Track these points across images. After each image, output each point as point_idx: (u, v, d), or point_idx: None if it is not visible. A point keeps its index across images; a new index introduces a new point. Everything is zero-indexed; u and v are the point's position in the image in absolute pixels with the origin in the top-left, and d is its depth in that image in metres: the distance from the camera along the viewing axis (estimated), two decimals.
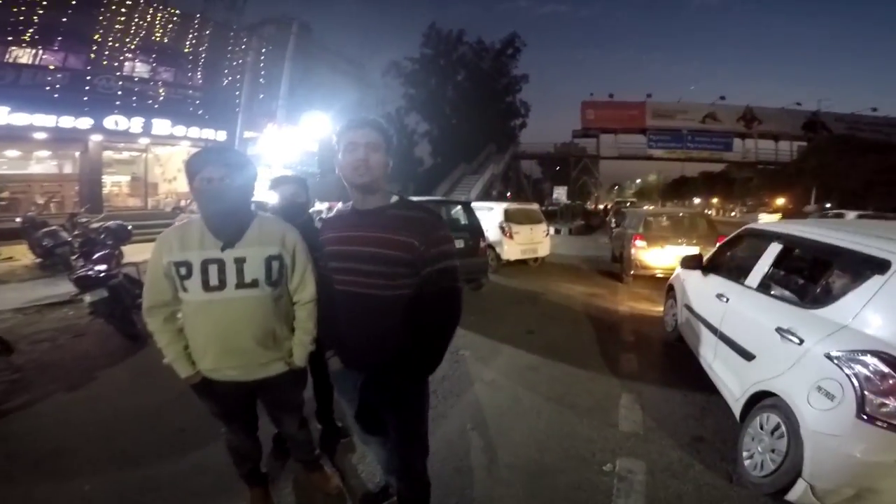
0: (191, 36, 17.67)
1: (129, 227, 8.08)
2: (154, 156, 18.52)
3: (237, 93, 17.52)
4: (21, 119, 13.28)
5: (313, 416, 2.64)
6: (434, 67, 36.16)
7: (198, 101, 17.64)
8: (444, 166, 32.42)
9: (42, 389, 3.53)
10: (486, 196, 25.95)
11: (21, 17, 13.63)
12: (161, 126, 16.08)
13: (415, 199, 1.84)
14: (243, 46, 18.90)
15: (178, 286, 1.66)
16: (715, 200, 44.12)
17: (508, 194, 31.97)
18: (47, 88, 14.05)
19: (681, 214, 8.87)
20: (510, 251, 9.00)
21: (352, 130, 1.53)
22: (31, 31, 13.83)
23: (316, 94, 19.88)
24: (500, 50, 37.41)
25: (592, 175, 44.44)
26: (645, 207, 11.33)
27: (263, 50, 19.25)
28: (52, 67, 14.42)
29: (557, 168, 46.00)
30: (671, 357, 4.42)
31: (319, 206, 16.30)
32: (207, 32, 18.03)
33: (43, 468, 2.52)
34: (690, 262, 4.29)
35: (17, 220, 10.06)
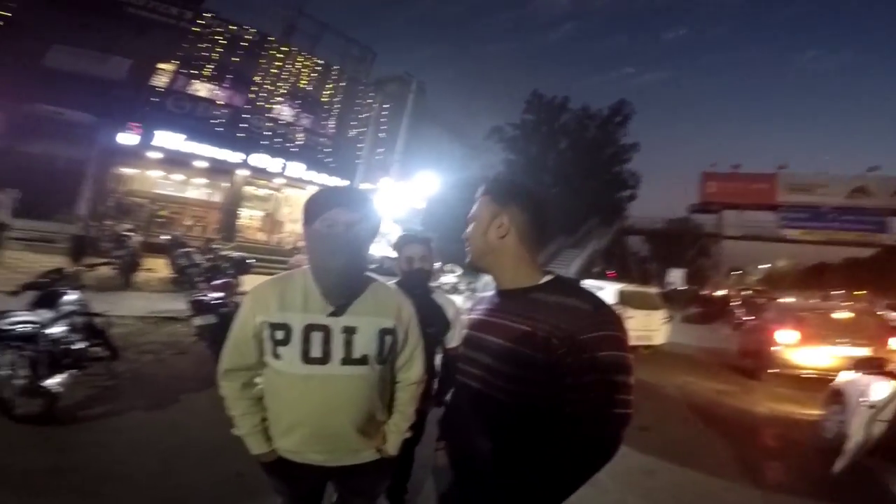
0: (328, 86, 19.55)
1: (250, 261, 8.80)
2: (285, 196, 20.28)
3: (359, 144, 18.89)
4: (189, 147, 15.40)
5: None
6: (536, 134, 35.51)
7: (328, 149, 19.20)
8: None
9: (127, 402, 3.59)
10: (586, 274, 24.61)
11: (203, 54, 16.12)
12: (295, 168, 17.73)
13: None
14: (369, 101, 20.38)
15: (269, 351, 1.36)
16: (862, 293, 35.94)
17: (611, 273, 29.94)
18: (212, 121, 16.25)
19: (842, 310, 7.37)
20: None
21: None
22: (210, 67, 16.32)
23: (426, 153, 20.77)
24: (606, 118, 35.69)
25: (710, 257, 39.88)
26: (785, 299, 9.66)
27: (386, 106, 20.56)
28: (219, 103, 16.73)
29: (668, 246, 42.10)
30: (831, 466, 3.35)
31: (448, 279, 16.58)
32: (342, 84, 19.82)
33: (85, 489, 2.41)
34: (873, 367, 3.71)
35: (164, 237, 11.44)
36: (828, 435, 3.99)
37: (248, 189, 18.60)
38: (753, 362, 7.39)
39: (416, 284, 2.09)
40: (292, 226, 19.94)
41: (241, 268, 8.81)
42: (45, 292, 3.60)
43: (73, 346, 3.52)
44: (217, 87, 16.82)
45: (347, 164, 18.32)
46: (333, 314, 1.34)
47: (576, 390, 1.07)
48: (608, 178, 35.56)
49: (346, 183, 18.36)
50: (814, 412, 4.81)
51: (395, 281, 2.10)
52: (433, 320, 2.09)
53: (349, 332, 1.35)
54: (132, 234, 10.36)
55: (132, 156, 14.96)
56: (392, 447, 1.50)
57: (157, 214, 16.18)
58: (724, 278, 40.07)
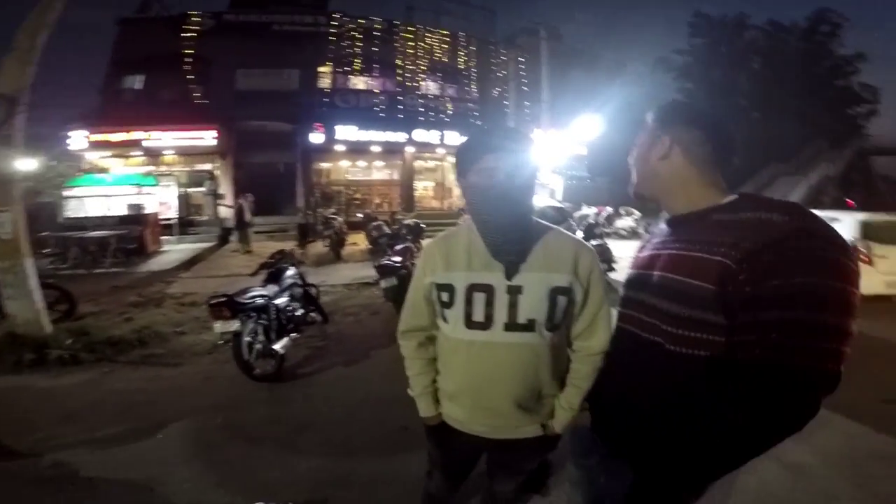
0: (461, 53, 20.07)
1: (423, 225, 9.79)
2: (449, 164, 21.45)
3: (506, 102, 18.75)
4: (363, 135, 17.55)
5: None
6: (714, 57, 30.54)
7: (476, 113, 19.76)
8: (746, 167, 26.85)
9: (330, 360, 4.27)
10: (813, 204, 19.74)
11: (347, 51, 18.06)
12: (452, 136, 18.62)
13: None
14: (503, 58, 20.30)
15: (438, 313, 1.30)
16: None
17: (849, 202, 23.29)
18: (375, 109, 18.25)
19: None
20: (868, 283, 6.13)
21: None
22: (358, 62, 18.26)
23: (579, 97, 19.55)
24: (808, 29, 29.24)
25: None
26: None
27: (521, 59, 20.22)
28: (376, 91, 18.65)
29: None
30: None
31: (587, 210, 15.87)
32: (473, 49, 20.19)
33: (284, 439, 2.90)
34: None
35: (359, 215, 13.92)
36: None
37: (418, 163, 20.19)
38: None
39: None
40: (458, 190, 21.08)
41: (417, 233, 9.83)
42: (273, 270, 4.40)
43: (295, 313, 4.28)
44: (369, 78, 18.64)
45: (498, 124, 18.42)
46: (509, 275, 1.19)
47: (755, 330, 0.81)
48: (832, 95, 28.86)
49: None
50: None
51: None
52: None
53: (514, 292, 1.18)
54: (336, 216, 12.33)
55: (324, 152, 17.62)
56: (559, 425, 1.32)
57: (352, 197, 19.09)
58: None
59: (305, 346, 4.53)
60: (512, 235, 1.17)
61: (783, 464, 2.51)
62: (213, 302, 3.48)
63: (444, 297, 1.24)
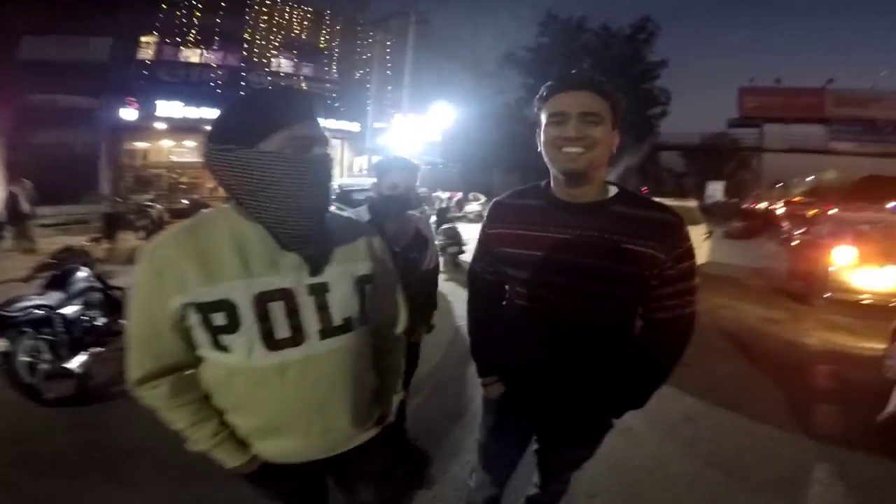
0: (324, 32, 19.11)
1: None
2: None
3: (367, 85, 18.39)
4: (192, 112, 15.49)
5: None
6: (554, 56, 34.36)
7: (334, 94, 18.83)
8: None
9: None
10: None
11: (184, 21, 15.93)
12: None
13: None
14: (370, 40, 19.94)
15: (205, 343, 0.94)
16: None
17: (644, 189, 29.23)
18: (211, 84, 16.28)
19: None
20: None
21: (561, 94, 1.10)
22: (193, 33, 16.15)
23: (437, 84, 20.24)
24: (630, 35, 34.64)
25: (750, 170, 38.27)
26: (844, 213, 8.72)
27: (388, 43, 20.08)
28: (214, 65, 16.66)
29: (705, 161, 40.54)
30: None
31: (441, 195, 16.58)
32: (338, 28, 19.38)
33: (110, 466, 2.43)
34: None
35: (184, 201, 12.34)
36: (892, 376, 3.56)
37: None
38: (804, 285, 6.80)
39: (395, 209, 1.98)
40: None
41: None
42: (57, 273, 3.57)
43: (94, 323, 3.51)
44: (207, 51, 16.69)
45: (357, 107, 17.89)
46: (309, 270, 0.98)
47: (671, 297, 1.15)
48: (638, 96, 34.37)
49: (356, 125, 18.14)
50: (875, 346, 4.38)
51: (362, 207, 2.05)
52: (416, 244, 2.05)
53: (320, 291, 0.99)
54: (154, 203, 10.78)
55: (139, 130, 15.24)
56: (390, 412, 1.25)
57: (177, 182, 16.71)
58: (767, 191, 38.96)
59: (118, 360, 3.68)
60: (317, 222, 0.97)
61: (618, 431, 2.85)
62: None
63: (219, 319, 0.90)
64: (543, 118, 1.13)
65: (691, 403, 3.29)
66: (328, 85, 19.16)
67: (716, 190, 24.59)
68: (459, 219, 14.23)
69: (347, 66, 19.50)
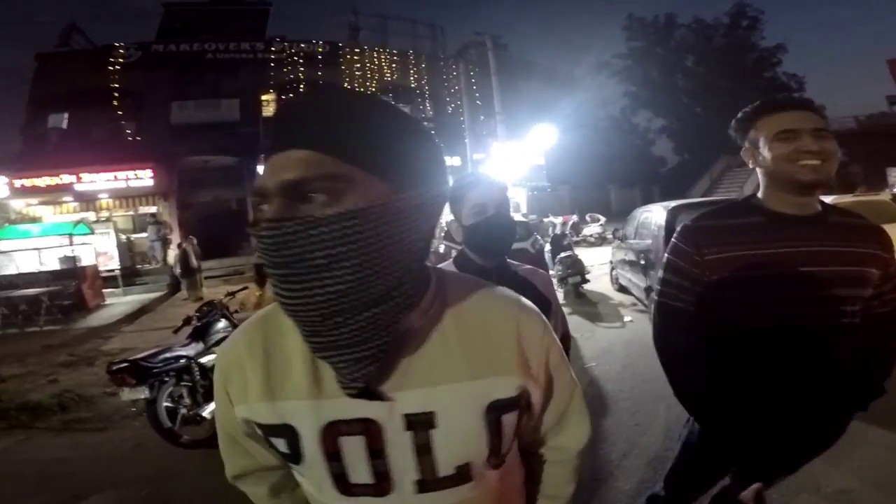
0: (411, 71, 19.82)
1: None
2: None
3: (461, 118, 18.75)
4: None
5: None
6: (652, 58, 32.33)
7: (434, 131, 19.51)
8: (696, 162, 28.26)
9: None
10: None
11: (290, 76, 17.22)
12: None
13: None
14: (454, 74, 20.26)
15: (283, 462, 0.72)
16: None
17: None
18: None
19: None
20: None
21: (783, 113, 1.17)
22: (301, 86, 17.19)
23: (531, 107, 19.87)
24: (730, 25, 31.51)
25: None
26: None
27: (472, 73, 20.24)
28: None
29: (870, 145, 33.62)
30: None
31: (553, 220, 15.83)
32: (423, 66, 20.00)
33: None
34: None
35: None
36: None
37: None
38: None
39: (499, 245, 1.34)
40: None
41: None
42: (199, 325, 3.87)
43: None
44: None
45: (455, 141, 18.32)
46: (402, 393, 0.61)
47: (890, 292, 1.22)
48: (762, 85, 30.89)
49: (457, 159, 18.07)
50: None
51: (451, 258, 1.43)
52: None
53: (421, 425, 0.61)
54: None
55: None
56: None
57: None
58: None
59: None
60: (329, 315, 0.53)
61: (824, 494, 2.18)
62: (113, 368, 3.15)
63: (281, 445, 0.64)
64: (764, 135, 1.18)
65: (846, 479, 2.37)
66: (427, 123, 20.05)
67: None
68: (577, 244, 13.44)
69: (439, 102, 20.00)
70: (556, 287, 1.54)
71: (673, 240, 1.30)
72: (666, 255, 1.31)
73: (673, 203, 5.52)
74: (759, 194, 1.25)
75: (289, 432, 0.62)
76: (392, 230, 0.52)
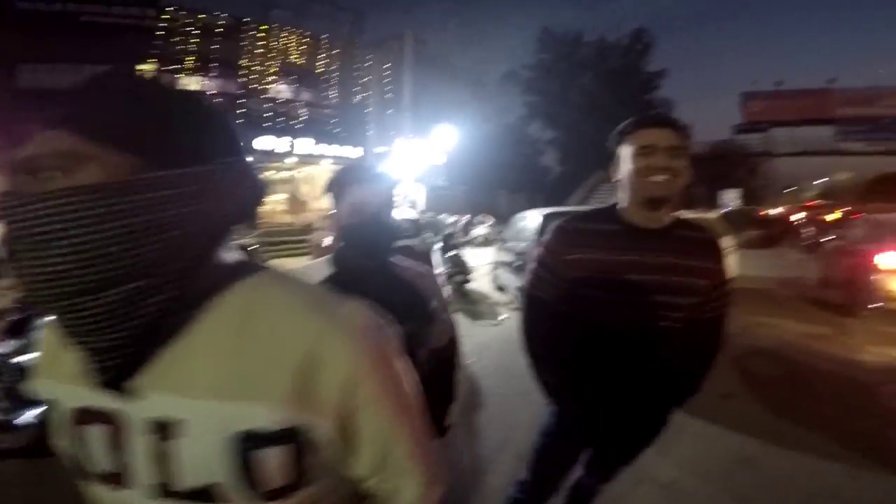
0: (321, 57, 19.01)
1: (251, 249, 8.44)
2: (302, 175, 19.89)
3: (367, 110, 18.47)
4: None
5: None
6: (554, 72, 34.59)
7: (334, 120, 18.69)
8: (577, 174, 30.80)
9: None
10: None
11: (180, 47, 15.92)
12: (304, 145, 17.26)
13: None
14: (368, 64, 19.82)
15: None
16: None
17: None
18: None
19: None
20: None
21: (648, 129, 1.26)
22: (191, 60, 16.06)
23: (439, 106, 20.07)
24: (626, 47, 34.79)
25: (759, 176, 37.93)
26: (885, 215, 8.16)
27: (386, 66, 19.94)
28: (212, 93, 16.40)
29: (713, 169, 40.27)
30: None
31: (448, 218, 16.19)
32: (335, 52, 19.27)
33: None
34: None
35: None
36: None
37: (270, 174, 18.55)
38: (845, 295, 6.25)
39: (376, 243, 1.21)
40: (314, 203, 19.71)
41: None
42: (16, 319, 3.29)
43: None
44: (205, 78, 16.63)
45: (358, 132, 17.85)
46: (126, 390, 0.54)
47: (717, 300, 1.35)
48: (639, 108, 34.54)
49: (358, 150, 17.91)
50: None
51: (329, 255, 1.29)
52: (407, 309, 1.18)
53: (162, 431, 0.53)
54: None
55: None
56: None
57: None
58: (778, 196, 38.98)
59: None
60: (75, 296, 0.49)
61: (659, 485, 2.39)
62: None
63: (51, 420, 0.62)
64: (628, 150, 1.27)
65: (742, 443, 2.79)
66: (327, 111, 19.07)
67: (731, 199, 24.21)
68: (466, 244, 13.81)
69: (346, 90, 19.40)
70: (452, 324, 1.43)
71: (544, 237, 1.43)
72: (537, 250, 1.44)
73: (547, 210, 6.11)
74: (619, 205, 1.35)
75: (53, 410, 0.61)
76: (137, 210, 0.49)
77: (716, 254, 1.34)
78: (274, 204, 19.61)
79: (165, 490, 0.55)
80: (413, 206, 18.04)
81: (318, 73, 18.94)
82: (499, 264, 7.73)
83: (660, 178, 1.22)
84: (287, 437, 0.54)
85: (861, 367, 4.10)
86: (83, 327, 0.50)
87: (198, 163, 0.53)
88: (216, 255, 0.57)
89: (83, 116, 0.51)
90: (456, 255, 7.88)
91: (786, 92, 33.37)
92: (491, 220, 17.06)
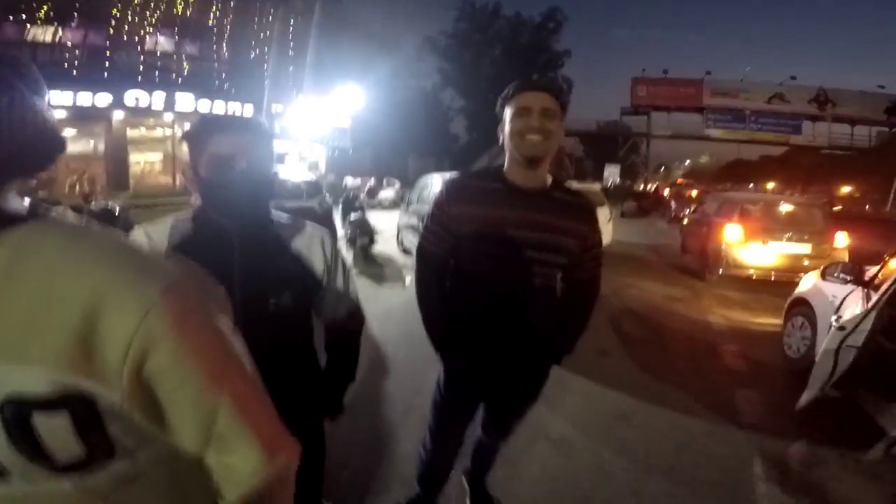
0: (215, 8, 17.13)
1: (116, 211, 7.23)
2: (180, 132, 18.14)
3: (265, 66, 16.95)
4: None
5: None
6: (470, 42, 34.95)
7: (224, 75, 17.09)
8: (481, 142, 31.82)
9: None
10: None
11: None
12: (184, 101, 15.60)
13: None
14: (270, 18, 18.29)
15: None
16: (771, 185, 40.80)
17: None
18: (65, 66, 13.95)
19: (787, 202, 7.24)
20: None
21: (525, 93, 1.34)
22: (45, 8, 13.78)
23: (348, 67, 19.09)
24: (539, 24, 35.94)
25: (640, 154, 42.27)
26: (730, 193, 9.67)
27: (292, 21, 18.59)
28: (69, 44, 14.32)
29: (601, 146, 43.97)
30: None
31: (350, 181, 15.60)
32: (232, 5, 17.52)
33: None
34: (842, 273, 3.14)
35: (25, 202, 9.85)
36: (792, 354, 3.75)
37: (135, 132, 16.57)
38: (699, 262, 7.34)
39: (236, 207, 1.05)
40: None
41: (109, 222, 6.99)
42: None
43: None
44: (64, 29, 14.48)
45: (251, 87, 16.30)
46: None
47: (588, 262, 1.47)
48: None
49: (249, 107, 16.59)
50: (770, 322, 4.70)
51: (185, 211, 1.13)
52: (282, 277, 1.12)
53: None
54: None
55: None
56: None
57: None
58: (653, 174, 43.48)
59: None
60: None
61: (551, 440, 2.58)
62: None
63: None
64: (509, 112, 1.35)
65: (619, 400, 3.12)
66: (216, 65, 17.34)
67: (612, 173, 26.75)
68: (373, 207, 13.49)
69: (241, 45, 17.72)
70: (345, 249, 1.42)
71: (436, 193, 1.50)
72: (429, 206, 1.50)
73: (449, 174, 5.96)
74: (504, 166, 1.42)
75: None
76: None
77: (589, 218, 1.43)
78: (147, 165, 17.70)
79: None
80: (314, 167, 17.06)
81: (210, 26, 17.04)
82: (404, 227, 7.64)
83: (534, 137, 1.29)
84: (64, 403, 0.47)
85: (709, 328, 4.82)
86: None
87: None
88: None
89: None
90: (360, 218, 7.64)
91: (668, 80, 36.99)
92: (398, 184, 16.85)
